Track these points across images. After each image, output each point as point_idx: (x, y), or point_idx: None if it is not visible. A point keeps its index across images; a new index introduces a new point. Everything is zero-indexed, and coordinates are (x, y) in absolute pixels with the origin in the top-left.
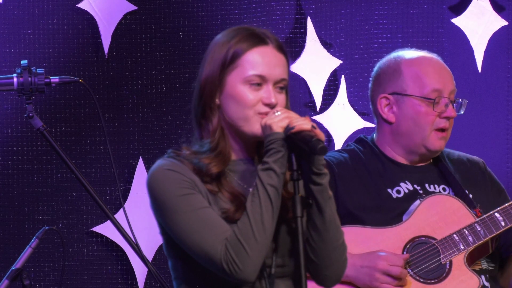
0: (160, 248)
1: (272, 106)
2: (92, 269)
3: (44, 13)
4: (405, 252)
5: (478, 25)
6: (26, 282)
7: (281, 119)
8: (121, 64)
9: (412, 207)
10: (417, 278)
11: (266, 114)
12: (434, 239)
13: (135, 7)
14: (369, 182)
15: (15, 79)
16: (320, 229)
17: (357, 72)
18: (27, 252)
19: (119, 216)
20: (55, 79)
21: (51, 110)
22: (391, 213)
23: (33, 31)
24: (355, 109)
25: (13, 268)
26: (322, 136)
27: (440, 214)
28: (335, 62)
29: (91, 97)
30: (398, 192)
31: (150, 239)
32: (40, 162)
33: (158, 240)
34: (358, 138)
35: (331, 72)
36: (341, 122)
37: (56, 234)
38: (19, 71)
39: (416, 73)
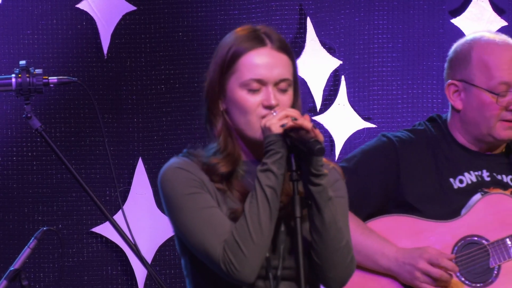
0: (160, 249)
1: (272, 108)
2: (92, 269)
3: (44, 14)
4: (455, 250)
5: (478, 25)
6: (25, 283)
7: (280, 118)
8: (120, 65)
9: (471, 202)
10: (463, 280)
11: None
12: (487, 240)
13: (134, 8)
14: (433, 169)
15: (13, 80)
16: (320, 231)
17: (357, 73)
18: (25, 252)
19: (119, 217)
20: (53, 79)
21: (51, 111)
22: (450, 206)
23: (33, 31)
24: (355, 110)
25: (11, 268)
26: (321, 137)
27: (497, 214)
28: (335, 63)
29: (90, 97)
30: (461, 181)
31: (150, 240)
32: (40, 162)
33: (158, 241)
34: (431, 117)
35: (331, 73)
36: (342, 122)
37: (56, 234)
38: (17, 71)
39: (485, 63)
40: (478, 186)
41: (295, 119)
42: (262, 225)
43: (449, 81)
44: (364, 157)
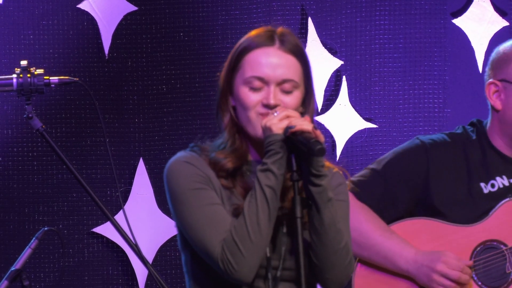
0: (160, 249)
1: (271, 107)
2: (92, 270)
3: (44, 14)
4: (474, 254)
5: (479, 26)
6: (26, 283)
7: (281, 119)
8: (121, 65)
9: (497, 206)
10: (480, 284)
11: (266, 114)
12: (505, 245)
13: (135, 8)
14: (463, 173)
15: (14, 80)
16: (320, 231)
17: (358, 73)
18: (26, 253)
19: (120, 217)
20: (54, 79)
21: (52, 111)
22: (477, 211)
23: (33, 31)
24: (357, 110)
25: (12, 269)
26: (321, 137)
27: None
28: (337, 63)
29: (91, 97)
30: (493, 186)
31: (151, 240)
32: (41, 163)
33: (159, 241)
34: (471, 122)
35: (333, 73)
36: (343, 123)
37: (57, 234)
38: (18, 71)
39: None
40: (510, 191)
41: (293, 127)
42: (260, 225)
43: (490, 80)
44: (394, 160)
